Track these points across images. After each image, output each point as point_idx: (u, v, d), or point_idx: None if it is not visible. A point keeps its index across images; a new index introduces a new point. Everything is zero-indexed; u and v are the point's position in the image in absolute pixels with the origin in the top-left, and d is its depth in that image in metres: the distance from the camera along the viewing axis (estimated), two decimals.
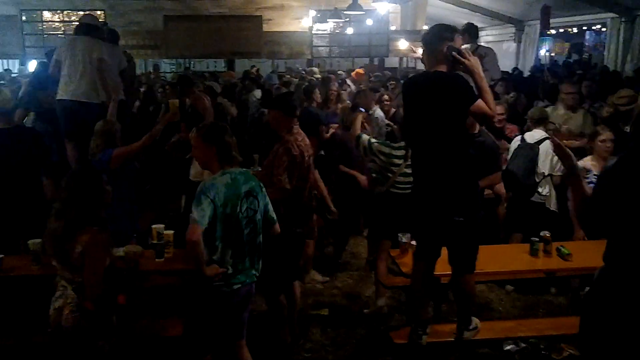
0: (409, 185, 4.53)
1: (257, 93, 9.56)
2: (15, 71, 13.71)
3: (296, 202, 3.96)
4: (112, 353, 3.13)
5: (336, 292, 5.36)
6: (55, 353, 3.22)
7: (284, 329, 4.18)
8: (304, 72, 13.68)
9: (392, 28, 16.45)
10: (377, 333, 4.51)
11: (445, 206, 3.49)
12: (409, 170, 4.50)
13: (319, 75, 12.05)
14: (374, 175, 4.93)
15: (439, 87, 3.41)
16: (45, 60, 6.93)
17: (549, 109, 6.32)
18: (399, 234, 4.31)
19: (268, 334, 4.29)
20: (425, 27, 16.71)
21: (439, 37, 3.48)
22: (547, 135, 5.24)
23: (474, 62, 3.42)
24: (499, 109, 5.65)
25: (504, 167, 5.47)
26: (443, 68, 3.45)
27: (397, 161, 4.57)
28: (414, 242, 4.05)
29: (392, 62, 17.45)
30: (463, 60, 3.38)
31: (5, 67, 14.13)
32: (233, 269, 3.18)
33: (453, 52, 3.39)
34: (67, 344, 3.08)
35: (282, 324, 4.18)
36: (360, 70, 12.57)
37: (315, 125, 5.34)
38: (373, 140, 4.73)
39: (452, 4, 15.89)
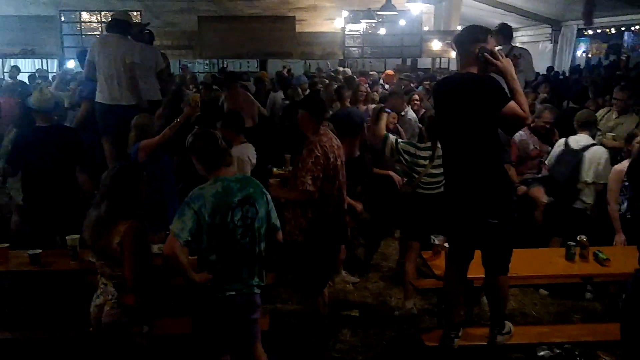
0: (436, 186, 4.53)
1: (281, 93, 9.59)
2: (53, 70, 14.06)
3: (324, 205, 3.85)
4: (148, 349, 3.17)
5: (367, 294, 5.34)
6: (94, 348, 3.28)
7: (311, 330, 4.17)
8: (333, 73, 13.69)
9: (425, 28, 16.31)
10: (408, 335, 4.48)
11: (479, 209, 3.44)
12: (435, 171, 4.49)
13: (353, 76, 12.01)
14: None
15: (469, 89, 3.37)
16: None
17: (601, 112, 6.22)
18: (431, 236, 4.27)
19: (298, 333, 4.31)
20: (459, 28, 16.54)
21: (471, 38, 3.44)
22: (594, 142, 5.13)
23: (506, 63, 3.37)
24: (547, 116, 5.58)
25: (545, 173, 5.36)
26: (475, 69, 3.41)
27: (422, 162, 4.57)
28: (446, 244, 4.02)
29: (424, 62, 17.32)
30: (495, 61, 3.33)
31: (38, 67, 14.47)
32: (225, 276, 3.10)
33: (485, 54, 3.34)
34: (106, 340, 3.13)
35: (315, 326, 4.15)
36: (390, 72, 12.51)
37: (357, 126, 5.29)
38: (400, 140, 4.72)
39: (487, 4, 15.69)
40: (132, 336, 3.10)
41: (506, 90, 3.37)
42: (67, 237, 4.04)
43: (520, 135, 5.55)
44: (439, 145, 4.41)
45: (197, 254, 3.14)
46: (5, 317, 4.38)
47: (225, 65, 16.86)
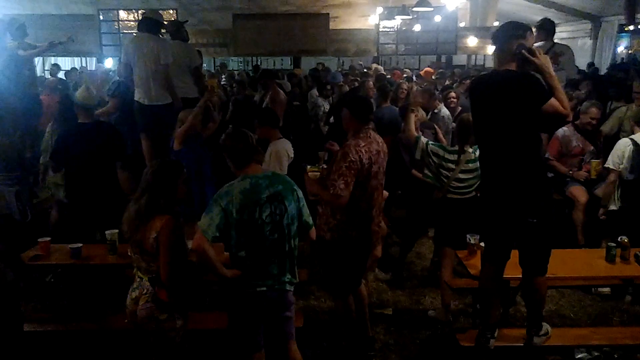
0: (466, 191, 4.44)
1: (316, 91, 9.61)
2: (93, 68, 14.37)
3: (353, 209, 3.78)
4: (182, 343, 3.22)
5: (400, 292, 5.31)
6: (131, 341, 3.35)
7: (350, 329, 4.15)
8: (366, 70, 13.64)
9: (461, 25, 16.12)
10: (443, 335, 4.44)
11: (518, 208, 3.40)
12: (463, 176, 4.41)
13: (383, 73, 11.97)
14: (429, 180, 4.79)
15: (508, 86, 3.33)
16: None
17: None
18: (467, 235, 4.23)
19: (332, 330, 4.32)
20: (496, 24, 16.30)
21: (509, 35, 3.40)
22: None
23: (544, 60, 3.31)
24: (594, 112, 5.46)
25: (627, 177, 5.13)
26: (513, 67, 3.36)
27: (449, 165, 4.43)
28: (482, 244, 3.97)
29: (460, 59, 17.14)
30: (532, 59, 3.28)
31: (78, 65, 14.74)
32: (255, 272, 3.12)
33: (523, 51, 3.29)
34: (141, 334, 3.18)
35: (345, 325, 4.15)
36: (430, 69, 12.41)
37: (396, 124, 5.28)
38: (430, 142, 4.65)
39: (526, 0, 15.43)
40: (165, 330, 3.14)
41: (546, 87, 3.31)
42: (106, 232, 4.12)
43: (564, 131, 5.44)
44: (469, 150, 4.37)
45: (227, 250, 3.17)
46: (47, 309, 4.50)
47: (259, 63, 16.98)
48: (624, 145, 5.07)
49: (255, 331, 3.21)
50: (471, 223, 4.24)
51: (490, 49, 15.07)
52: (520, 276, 3.68)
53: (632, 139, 5.03)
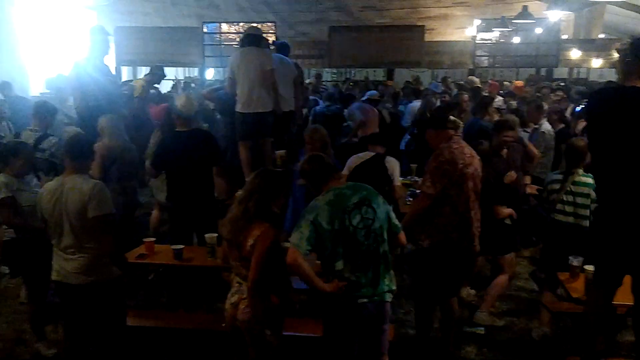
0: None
1: (416, 104, 9.52)
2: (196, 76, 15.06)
3: (450, 212, 3.81)
4: (279, 348, 3.27)
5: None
6: (226, 343, 3.45)
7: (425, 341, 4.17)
8: (462, 82, 13.38)
9: (564, 37, 15.45)
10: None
11: (635, 231, 3.20)
12: (567, 198, 4.38)
13: (479, 85, 11.70)
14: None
15: (638, 105, 3.15)
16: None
17: None
18: (570, 257, 4.04)
19: (421, 346, 4.25)
20: (602, 36, 15.51)
21: None
22: None
23: None
24: None
25: None
26: None
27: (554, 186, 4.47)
28: (586, 267, 3.78)
29: (560, 72, 16.42)
30: None
31: (175, 75, 15.37)
32: (355, 282, 3.12)
33: None
34: (238, 337, 3.27)
35: (424, 336, 4.16)
36: (520, 83, 12.01)
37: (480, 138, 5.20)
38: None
39: (633, 11, 14.56)
40: (265, 334, 3.20)
41: None
42: (205, 235, 4.27)
43: None
44: (578, 172, 4.35)
45: (321, 262, 3.20)
46: (148, 306, 4.74)
47: (353, 75, 17.09)
48: None
49: (351, 346, 3.21)
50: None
51: (596, 62, 14.35)
52: (630, 304, 3.46)
53: None
